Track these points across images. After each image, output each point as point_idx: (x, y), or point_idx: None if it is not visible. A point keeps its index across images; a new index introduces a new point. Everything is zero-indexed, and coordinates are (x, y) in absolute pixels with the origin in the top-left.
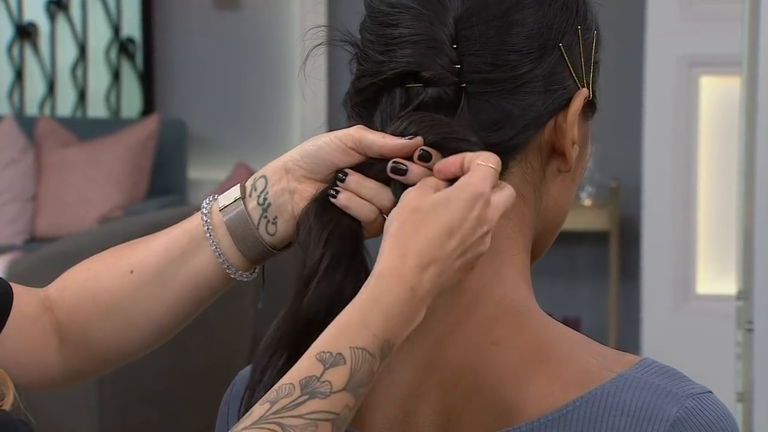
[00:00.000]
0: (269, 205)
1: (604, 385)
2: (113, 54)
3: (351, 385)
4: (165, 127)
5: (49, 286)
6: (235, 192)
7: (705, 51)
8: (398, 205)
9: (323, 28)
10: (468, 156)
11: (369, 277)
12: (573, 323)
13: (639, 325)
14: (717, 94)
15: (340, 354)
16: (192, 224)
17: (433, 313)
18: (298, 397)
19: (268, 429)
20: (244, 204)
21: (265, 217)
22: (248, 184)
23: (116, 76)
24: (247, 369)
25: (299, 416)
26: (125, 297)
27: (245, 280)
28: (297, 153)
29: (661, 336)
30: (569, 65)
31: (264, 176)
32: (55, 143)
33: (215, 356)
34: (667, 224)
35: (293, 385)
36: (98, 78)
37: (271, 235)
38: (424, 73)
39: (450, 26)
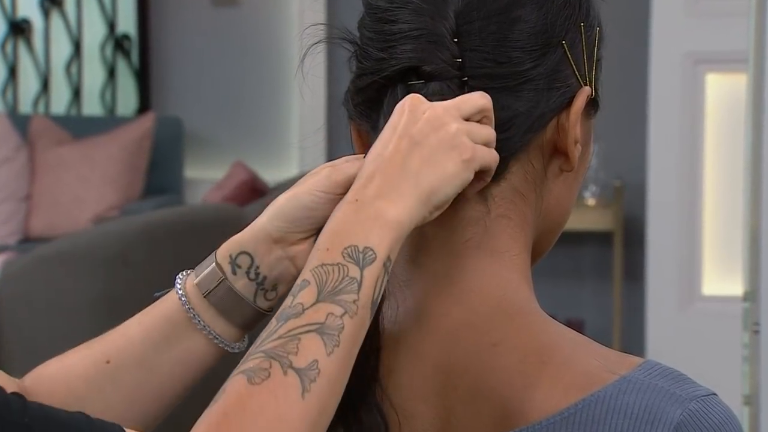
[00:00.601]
0: (264, 278)
1: (606, 387)
2: (108, 51)
3: (323, 296)
4: (161, 125)
5: (25, 376)
6: (213, 274)
7: (711, 48)
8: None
9: (321, 26)
10: None
11: None
12: (576, 325)
13: (643, 326)
14: (723, 92)
15: (304, 279)
16: (170, 310)
17: (432, 313)
18: (275, 326)
19: (253, 359)
20: (230, 283)
21: (262, 288)
22: (224, 262)
23: (111, 73)
24: None
25: (278, 337)
26: (103, 386)
27: (241, 350)
28: (280, 220)
29: (666, 338)
30: (572, 63)
31: (245, 252)
32: (49, 142)
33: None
34: (673, 224)
35: (270, 322)
36: (93, 75)
37: (270, 300)
38: (425, 67)
39: (451, 20)
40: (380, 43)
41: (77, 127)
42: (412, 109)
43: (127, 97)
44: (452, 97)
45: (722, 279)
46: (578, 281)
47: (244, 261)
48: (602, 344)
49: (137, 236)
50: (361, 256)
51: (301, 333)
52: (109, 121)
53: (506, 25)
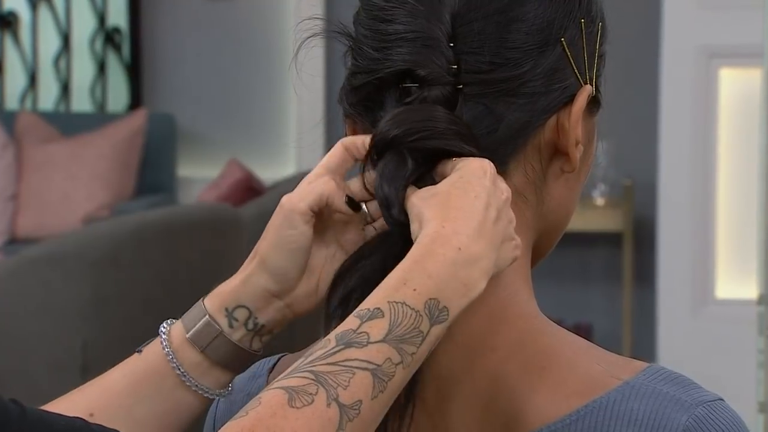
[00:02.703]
0: (263, 326)
1: (609, 393)
2: (98, 45)
3: (391, 337)
4: (153, 122)
5: None
6: (208, 328)
7: (724, 41)
8: (412, 200)
9: (317, 20)
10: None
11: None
12: (585, 330)
13: (654, 331)
14: (737, 87)
15: (378, 308)
16: (157, 364)
17: None
18: (333, 347)
19: (300, 377)
20: (227, 336)
21: (259, 334)
22: (219, 316)
23: (102, 68)
24: (242, 376)
25: (334, 363)
26: None
27: (229, 395)
28: (273, 274)
29: (678, 343)
30: (571, 61)
31: (243, 306)
32: (37, 139)
33: None
34: (685, 224)
35: (329, 339)
36: (82, 70)
37: (263, 342)
38: (419, 71)
39: (447, 23)
40: (375, 42)
41: (66, 123)
42: (495, 183)
43: (118, 93)
44: (446, 103)
45: (736, 282)
46: (586, 284)
47: (241, 314)
48: (611, 350)
49: (128, 237)
50: (437, 313)
51: (358, 368)
52: (100, 117)
53: (504, 25)
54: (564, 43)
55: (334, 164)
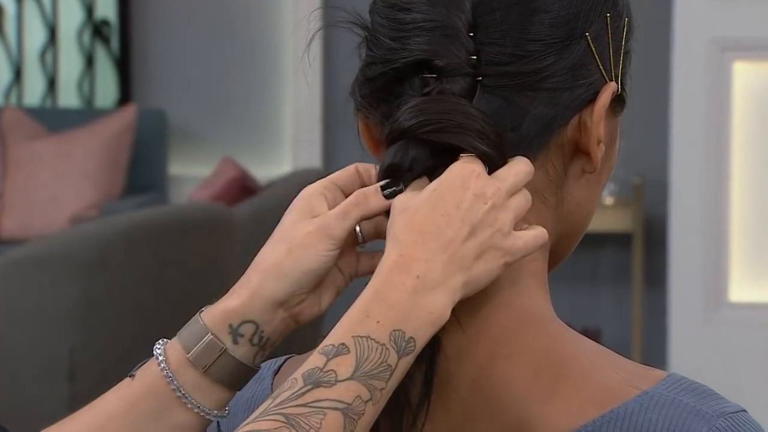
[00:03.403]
0: (267, 339)
1: (627, 403)
2: (86, 37)
3: (359, 374)
4: (143, 118)
5: None
6: (211, 347)
7: (738, 33)
8: (394, 203)
9: (328, 10)
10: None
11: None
12: (593, 334)
13: (666, 336)
14: (752, 81)
15: (343, 344)
16: (155, 386)
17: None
18: (301, 387)
19: (271, 420)
20: (232, 353)
21: (263, 348)
22: (222, 334)
23: (89, 61)
24: (239, 395)
25: (304, 404)
26: None
27: (227, 415)
28: (284, 283)
29: (691, 348)
30: (596, 57)
31: (250, 321)
32: (22, 136)
33: None
34: (697, 224)
35: (295, 378)
36: (69, 64)
37: (265, 356)
38: (437, 62)
39: (467, 12)
40: (392, 32)
41: (52, 120)
42: (477, 192)
43: (107, 88)
44: (465, 95)
45: (751, 284)
46: (595, 287)
47: (247, 330)
48: (621, 355)
49: (117, 238)
50: (403, 344)
51: (327, 408)
52: (87, 113)
53: (527, 15)
54: (589, 37)
55: (342, 182)
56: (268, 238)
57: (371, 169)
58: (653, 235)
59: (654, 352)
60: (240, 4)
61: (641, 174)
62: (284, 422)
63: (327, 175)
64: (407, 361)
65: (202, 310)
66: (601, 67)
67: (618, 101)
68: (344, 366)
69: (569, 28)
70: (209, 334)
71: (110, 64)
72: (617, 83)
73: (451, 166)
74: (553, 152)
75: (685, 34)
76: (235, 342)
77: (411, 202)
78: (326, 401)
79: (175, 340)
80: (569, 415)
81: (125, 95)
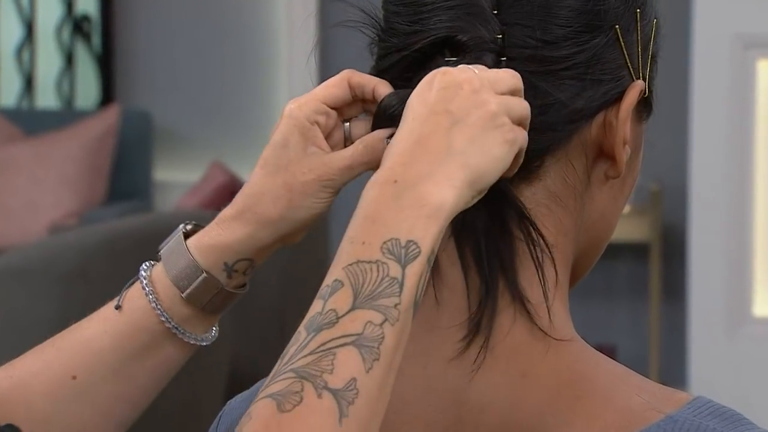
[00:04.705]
0: (258, 265)
1: (650, 427)
2: (66, 34)
3: (360, 301)
4: (127, 119)
5: None
6: (206, 285)
7: (763, 30)
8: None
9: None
10: None
11: None
12: (607, 351)
13: (685, 353)
14: None
15: (336, 279)
16: (145, 320)
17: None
18: (305, 338)
19: (282, 379)
20: (227, 288)
21: (245, 274)
22: (216, 271)
23: (69, 59)
24: (237, 399)
25: (311, 352)
26: (71, 402)
27: (215, 338)
28: (282, 228)
29: (712, 366)
30: (624, 53)
31: (246, 259)
32: None
33: (189, 395)
34: (719, 233)
35: (299, 332)
36: (48, 62)
37: (248, 276)
38: (460, 37)
39: None
40: (410, 16)
41: (30, 121)
42: (446, 83)
43: (88, 88)
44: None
45: None
46: (609, 301)
47: (242, 266)
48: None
49: (99, 249)
50: (403, 251)
51: (336, 347)
52: (67, 115)
53: None
54: (618, 31)
55: (333, 100)
56: None
57: (364, 81)
58: (672, 245)
59: (672, 371)
60: (230, 1)
61: (659, 179)
62: (295, 377)
63: None
64: (418, 267)
65: (185, 232)
66: (629, 64)
67: (644, 106)
68: (342, 300)
69: (599, 17)
70: (204, 273)
71: (91, 63)
72: (645, 84)
73: (447, 72)
74: (575, 151)
75: (706, 30)
76: (230, 277)
77: (404, 118)
78: (332, 341)
79: (161, 272)
80: None
81: (107, 95)
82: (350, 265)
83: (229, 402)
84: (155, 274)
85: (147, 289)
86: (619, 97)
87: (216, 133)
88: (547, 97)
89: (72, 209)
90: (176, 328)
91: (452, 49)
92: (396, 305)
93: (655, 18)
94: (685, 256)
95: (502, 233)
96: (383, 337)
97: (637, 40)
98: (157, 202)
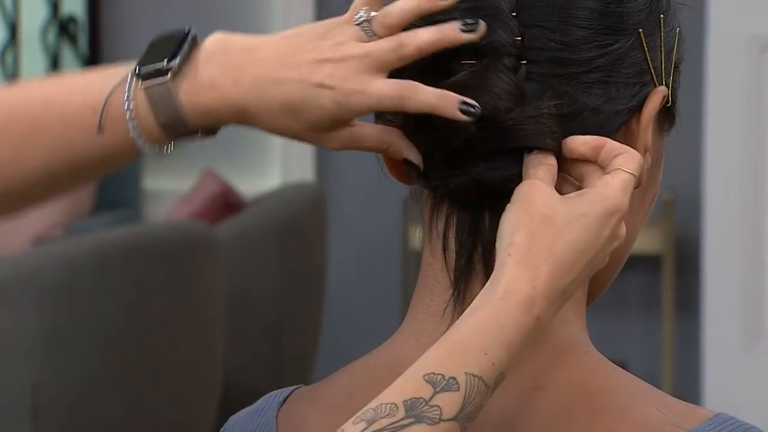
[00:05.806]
0: None
1: None
2: (51, 36)
3: (462, 415)
4: None
5: None
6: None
7: None
8: (518, 203)
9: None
10: (611, 145)
11: (488, 293)
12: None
13: (699, 368)
14: None
15: (454, 378)
16: (128, 151)
17: None
18: (402, 419)
19: None
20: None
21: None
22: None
23: (55, 62)
24: (240, 415)
25: None
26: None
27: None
28: (298, 123)
29: (727, 382)
30: (648, 58)
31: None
32: None
33: (183, 409)
34: (734, 245)
35: (395, 405)
36: (33, 65)
37: None
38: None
39: None
40: (424, 19)
41: None
42: (611, 234)
43: None
44: (508, 78)
45: None
46: (620, 314)
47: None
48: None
49: (86, 261)
50: (494, 384)
51: None
52: None
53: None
54: (642, 34)
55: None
56: (253, 262)
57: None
58: (685, 257)
59: (686, 387)
60: (222, 1)
61: (672, 188)
62: None
63: (320, 188)
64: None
65: (173, 82)
66: (652, 71)
67: (666, 116)
68: (450, 404)
69: (622, 20)
70: (196, 132)
71: (78, 65)
72: (669, 92)
73: (606, 184)
74: None
75: (721, 32)
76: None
77: (553, 207)
78: None
79: (148, 114)
80: None
81: None
82: (474, 376)
83: (231, 417)
84: (141, 116)
85: (136, 134)
86: (641, 104)
87: (207, 141)
88: (573, 104)
89: (57, 220)
90: (145, 150)
91: (469, 53)
92: (466, 428)
93: (678, 27)
94: (699, 268)
95: None
96: None
97: (661, 46)
98: (146, 211)
